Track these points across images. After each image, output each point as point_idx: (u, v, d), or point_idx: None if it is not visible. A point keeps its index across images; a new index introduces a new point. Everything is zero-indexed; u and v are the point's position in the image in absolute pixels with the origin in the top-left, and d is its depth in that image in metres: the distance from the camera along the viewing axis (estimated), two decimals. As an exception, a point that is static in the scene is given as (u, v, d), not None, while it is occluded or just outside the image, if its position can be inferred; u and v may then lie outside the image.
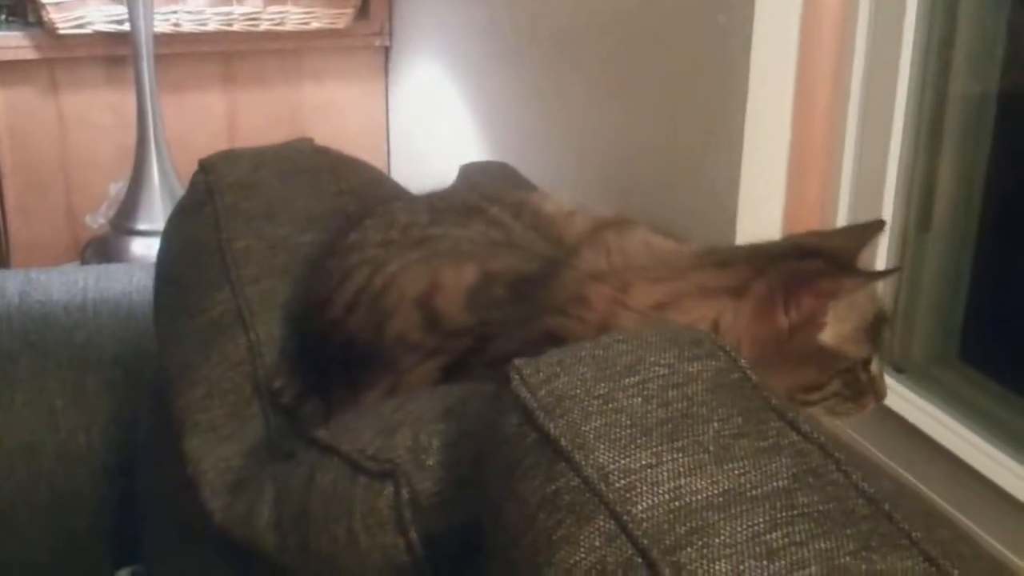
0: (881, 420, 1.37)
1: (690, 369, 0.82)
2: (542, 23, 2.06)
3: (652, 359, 0.82)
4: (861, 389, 1.14)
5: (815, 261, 1.12)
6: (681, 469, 0.74)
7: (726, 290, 1.10)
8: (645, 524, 0.71)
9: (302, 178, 1.55)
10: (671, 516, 0.71)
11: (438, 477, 0.92)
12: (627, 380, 0.80)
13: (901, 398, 1.38)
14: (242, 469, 1.23)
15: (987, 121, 1.38)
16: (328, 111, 3.01)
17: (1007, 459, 1.28)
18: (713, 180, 1.46)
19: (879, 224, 1.23)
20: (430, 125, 2.75)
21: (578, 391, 0.80)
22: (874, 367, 1.15)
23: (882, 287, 1.17)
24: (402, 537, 0.92)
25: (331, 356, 1.25)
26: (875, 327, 1.14)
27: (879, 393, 1.17)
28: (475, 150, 2.39)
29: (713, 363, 0.83)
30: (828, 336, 1.09)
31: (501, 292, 1.17)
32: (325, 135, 2.07)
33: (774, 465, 0.75)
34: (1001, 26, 1.35)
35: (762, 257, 1.13)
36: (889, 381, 1.38)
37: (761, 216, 1.42)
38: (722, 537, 0.69)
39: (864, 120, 1.39)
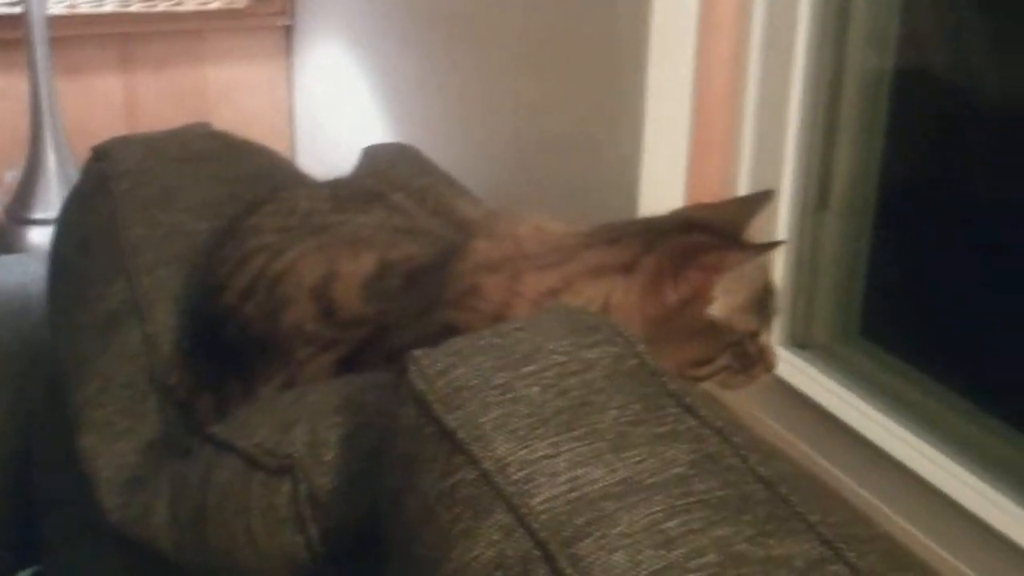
0: (784, 396, 1.38)
1: (588, 356, 0.81)
2: (445, 2, 2.03)
3: (550, 347, 0.81)
4: (751, 361, 1.14)
5: (702, 235, 1.13)
6: (579, 459, 0.73)
7: (616, 267, 1.10)
8: (543, 516, 0.70)
9: (199, 164, 1.51)
10: (569, 507, 0.70)
11: (336, 472, 0.90)
12: (525, 369, 0.79)
13: (804, 374, 1.39)
14: (138, 466, 1.20)
15: (882, 99, 1.39)
16: (230, 93, 2.95)
17: (908, 434, 1.30)
18: (615, 158, 1.45)
19: (767, 195, 1.23)
20: (335, 106, 2.72)
21: (476, 381, 0.79)
22: (763, 339, 1.16)
23: (771, 260, 1.18)
24: (301, 534, 0.90)
25: (225, 346, 1.22)
26: (763, 299, 1.14)
27: (768, 364, 1.17)
28: (379, 131, 2.36)
29: (611, 349, 0.82)
30: (717, 310, 1.09)
31: (397, 282, 1.16)
32: (228, 118, 2.04)
33: (672, 452, 0.74)
34: (895, 3, 1.36)
35: (651, 232, 1.13)
36: (791, 358, 1.40)
37: (663, 194, 1.42)
38: (620, 527, 0.68)
39: (762, 98, 1.39)
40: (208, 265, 1.30)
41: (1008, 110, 1.37)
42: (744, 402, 1.22)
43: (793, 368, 1.39)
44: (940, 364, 1.37)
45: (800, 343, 1.45)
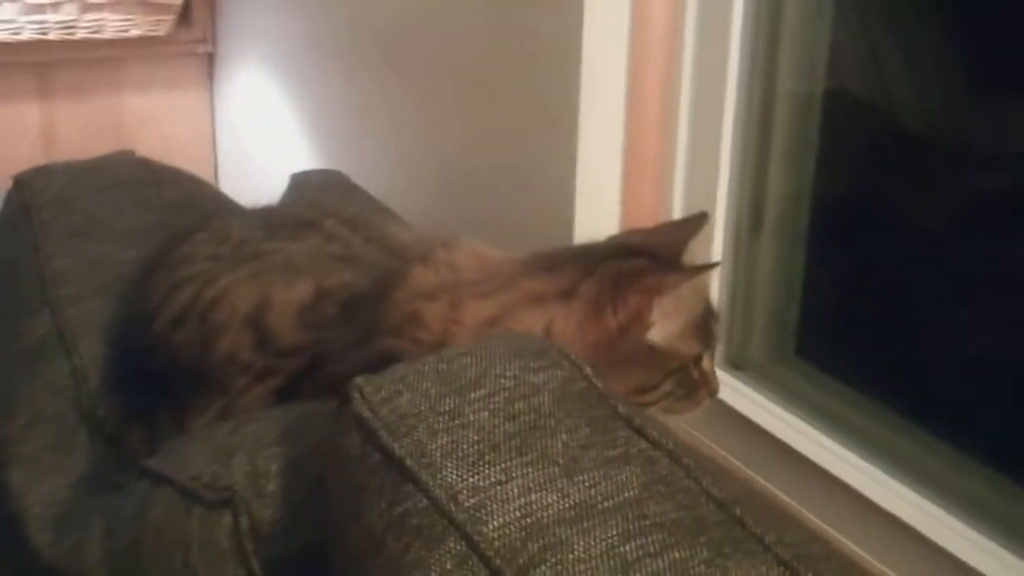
0: (722, 417, 1.38)
1: (535, 380, 0.80)
2: (369, 28, 2.02)
3: (497, 371, 0.80)
4: (694, 386, 1.14)
5: (640, 259, 1.12)
6: (531, 484, 0.72)
7: (555, 295, 1.09)
8: (497, 543, 0.69)
9: (123, 192, 1.48)
10: (523, 533, 0.69)
11: (278, 503, 0.88)
12: (473, 394, 0.78)
13: (741, 395, 1.40)
14: (68, 502, 1.16)
15: (813, 123, 1.40)
16: (151, 121, 2.91)
17: (845, 451, 1.30)
18: (549, 184, 1.45)
19: (702, 217, 1.24)
20: (258, 133, 2.69)
21: (422, 408, 0.77)
22: (705, 363, 1.16)
23: (710, 284, 1.18)
24: (243, 567, 0.88)
25: (155, 376, 1.19)
26: (704, 324, 1.15)
27: (712, 389, 1.17)
28: (306, 158, 2.34)
29: (558, 373, 0.81)
30: (657, 335, 1.09)
31: (333, 310, 1.14)
32: (149, 146, 2.00)
33: (624, 475, 0.73)
34: (824, 29, 1.37)
35: (589, 258, 1.13)
36: (729, 379, 1.40)
37: (598, 220, 1.42)
38: (576, 552, 0.67)
39: (695, 123, 1.40)
40: (137, 294, 1.27)
41: (932, 131, 1.39)
42: (683, 424, 1.22)
43: (730, 390, 1.40)
44: (874, 382, 1.38)
45: (736, 364, 1.46)
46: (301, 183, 1.74)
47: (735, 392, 1.40)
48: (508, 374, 0.80)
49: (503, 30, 1.54)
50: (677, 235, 1.19)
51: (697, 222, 1.23)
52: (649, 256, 1.14)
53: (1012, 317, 1.32)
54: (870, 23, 1.41)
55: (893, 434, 1.33)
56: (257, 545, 0.88)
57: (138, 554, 0.95)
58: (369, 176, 1.75)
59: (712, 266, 1.13)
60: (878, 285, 1.41)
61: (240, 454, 0.92)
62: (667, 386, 1.11)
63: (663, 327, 1.09)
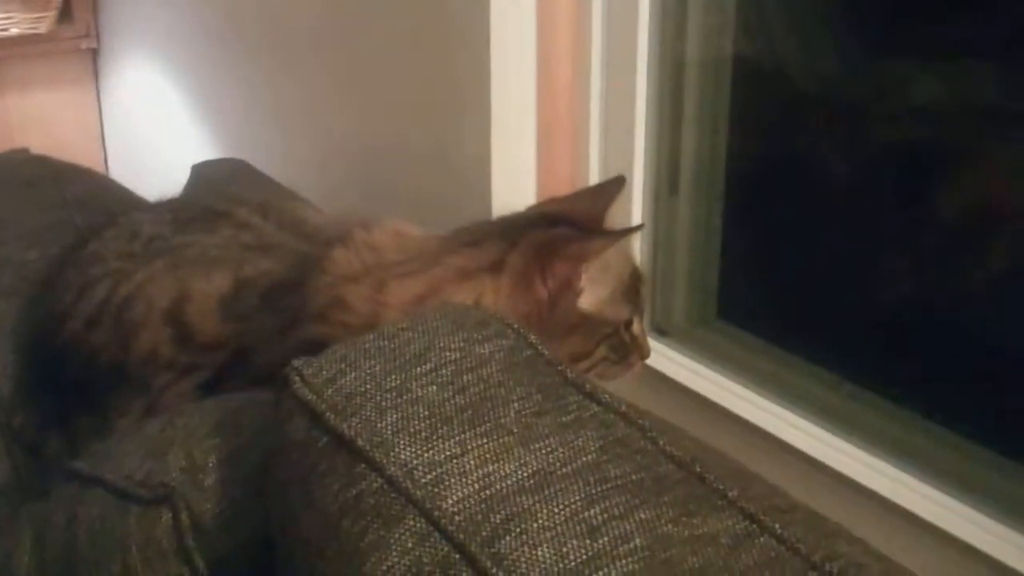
0: (651, 382, 1.38)
1: (481, 351, 0.78)
2: (261, 13, 1.98)
3: (441, 345, 0.78)
4: (626, 350, 1.14)
5: (563, 228, 1.12)
6: (488, 455, 0.70)
7: (482, 269, 1.08)
8: (458, 518, 0.67)
9: (22, 191, 1.43)
10: (484, 506, 0.68)
11: (219, 496, 0.85)
12: (419, 369, 0.76)
13: (668, 359, 1.40)
14: (-9, 513, 1.12)
15: (724, 86, 1.41)
16: (36, 120, 2.82)
17: (775, 407, 1.31)
18: (465, 158, 1.43)
19: (619, 181, 1.23)
20: (150, 127, 2.62)
21: (368, 386, 0.75)
22: (635, 327, 1.16)
23: (635, 248, 1.18)
24: (186, 565, 0.85)
25: (72, 379, 1.15)
26: (632, 288, 1.15)
27: (643, 352, 1.17)
28: (203, 149, 2.28)
29: (503, 342, 0.80)
30: (587, 302, 1.08)
31: (254, 300, 1.11)
32: (35, 146, 1.93)
33: (580, 440, 0.72)
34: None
35: (513, 230, 1.12)
36: (655, 344, 1.40)
37: (515, 191, 1.41)
38: (540, 520, 0.66)
39: (607, 88, 1.39)
40: (46, 296, 1.23)
41: (837, 91, 1.40)
42: (614, 391, 1.21)
43: (657, 354, 1.39)
44: (796, 339, 1.39)
45: (661, 329, 1.46)
46: (204, 174, 1.70)
47: (662, 356, 1.40)
48: (453, 346, 0.78)
49: (410, 8, 1.52)
50: (597, 201, 1.19)
51: (615, 186, 1.22)
52: (571, 224, 1.14)
53: (924, 266, 1.35)
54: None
55: (818, 387, 1.34)
56: (199, 541, 0.85)
57: (72, 560, 0.91)
58: (273, 163, 1.71)
59: (636, 229, 1.12)
60: (794, 243, 1.42)
61: (175, 449, 0.89)
62: (601, 352, 1.11)
63: (592, 293, 1.09)
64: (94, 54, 2.84)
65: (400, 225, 1.18)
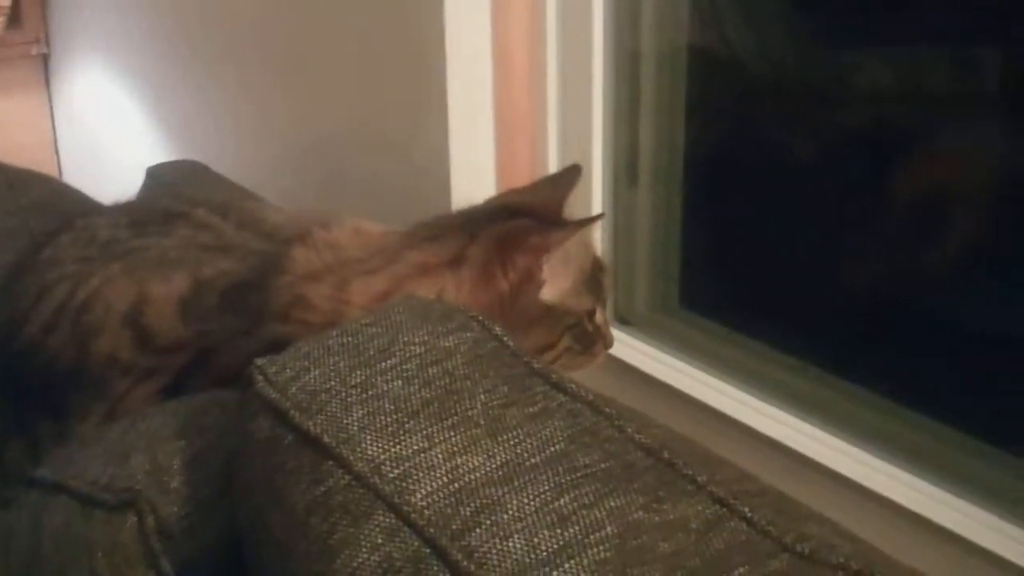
0: (614, 371, 1.38)
1: (446, 344, 0.78)
2: (212, 14, 1.96)
3: (405, 339, 0.78)
4: (590, 340, 1.14)
5: (523, 219, 1.12)
6: (455, 448, 0.70)
7: (443, 263, 1.07)
8: (427, 512, 0.67)
9: (-25, 198, 1.41)
10: (453, 499, 0.67)
11: (185, 498, 0.85)
12: (383, 364, 0.76)
13: (631, 348, 1.40)
14: (-50, 524, 1.10)
15: (680, 75, 1.41)
16: (-12, 127, 2.79)
17: (737, 392, 1.32)
18: (423, 152, 1.43)
19: (575, 170, 1.23)
20: (103, 131, 2.60)
21: (333, 383, 0.75)
22: (599, 317, 1.16)
23: (596, 238, 1.18)
24: (153, 569, 0.84)
25: (30, 384, 1.14)
26: (594, 278, 1.15)
27: (607, 341, 1.18)
28: (158, 151, 2.26)
29: (468, 335, 0.79)
30: (549, 294, 1.08)
31: (214, 301, 1.10)
32: (-14, 153, 1.91)
33: (547, 430, 0.72)
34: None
35: (472, 223, 1.12)
36: (617, 333, 1.40)
37: (474, 183, 1.41)
38: (510, 512, 0.66)
39: (564, 79, 1.39)
40: (2, 302, 1.21)
41: (796, 80, 1.41)
42: (579, 381, 1.21)
43: (620, 344, 1.40)
44: (758, 325, 1.40)
45: (623, 319, 1.46)
46: (159, 176, 1.68)
47: (625, 346, 1.40)
48: (417, 340, 0.78)
49: (363, 2, 1.51)
50: (555, 191, 1.19)
51: (571, 175, 1.22)
52: (531, 215, 1.14)
53: (884, 250, 1.36)
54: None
55: (781, 372, 1.35)
56: (165, 545, 0.84)
57: (38, 568, 0.90)
58: (228, 163, 1.70)
59: (595, 219, 1.12)
60: (754, 230, 1.43)
61: (138, 453, 0.88)
62: (565, 342, 1.11)
63: (554, 284, 1.08)
64: (45, 59, 2.81)
65: (359, 222, 1.17)
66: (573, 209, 1.20)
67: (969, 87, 1.27)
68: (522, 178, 1.42)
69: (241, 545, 0.80)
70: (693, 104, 1.41)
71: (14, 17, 2.69)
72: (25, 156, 2.72)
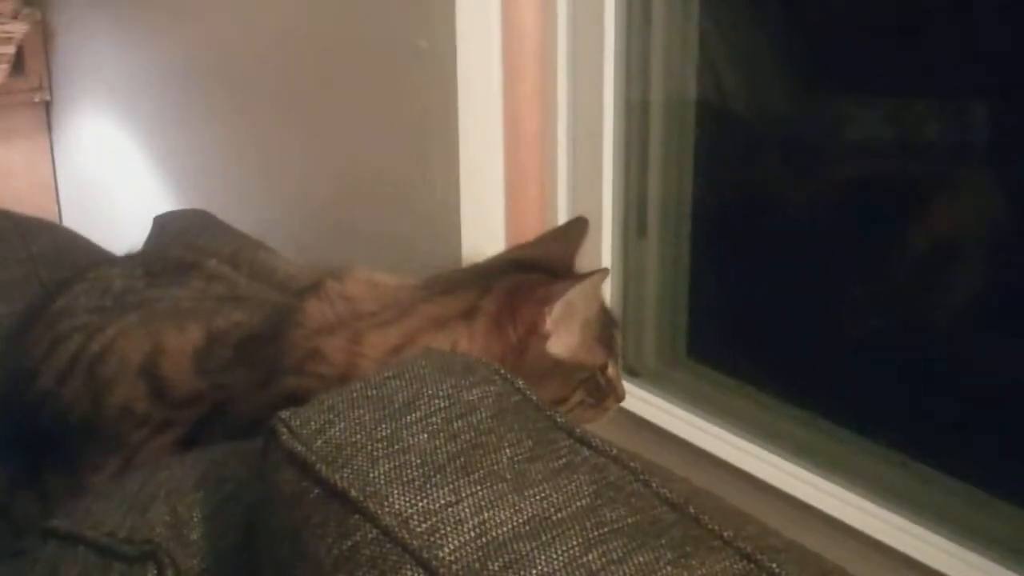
0: (621, 421, 1.38)
1: (470, 398, 0.79)
2: (218, 61, 1.98)
3: (429, 392, 0.78)
4: (602, 394, 1.16)
5: (532, 273, 1.13)
6: (482, 503, 0.70)
7: (456, 316, 1.08)
8: (455, 566, 0.67)
9: (-15, 246, 1.42)
10: (481, 553, 0.67)
11: (205, 551, 0.85)
12: (409, 417, 0.76)
13: (638, 399, 1.40)
14: (-40, 575, 1.09)
15: (688, 127, 1.42)
16: (-12, 173, 2.79)
17: (745, 443, 1.32)
18: (433, 206, 1.44)
19: (581, 222, 1.25)
20: (105, 179, 2.60)
21: (358, 436, 0.75)
22: (611, 371, 1.17)
23: (606, 292, 1.19)
24: (172, 622, 0.84)
25: (41, 436, 1.14)
26: (606, 333, 1.16)
27: (619, 395, 1.19)
28: (162, 200, 2.27)
29: (492, 388, 0.80)
30: (559, 348, 1.09)
31: (228, 353, 1.11)
32: (-13, 199, 1.91)
33: (573, 484, 0.73)
34: (693, 36, 1.39)
35: (484, 277, 1.14)
36: (626, 385, 1.40)
37: (484, 236, 1.41)
38: (539, 567, 0.66)
39: (574, 132, 1.40)
40: (14, 351, 1.21)
41: (803, 133, 1.42)
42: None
43: (628, 395, 1.40)
44: (765, 376, 1.40)
45: (632, 370, 1.46)
46: (166, 225, 1.69)
47: (633, 396, 1.40)
48: (441, 394, 0.78)
49: (375, 54, 1.52)
50: (565, 245, 1.21)
51: (579, 228, 1.24)
52: (543, 269, 1.15)
53: (892, 301, 1.36)
54: (731, 29, 1.44)
55: (789, 424, 1.35)
56: (185, 597, 0.84)
57: (53, 621, 0.90)
58: (234, 213, 1.71)
59: (598, 272, 1.13)
60: (762, 282, 1.43)
61: (157, 504, 0.88)
62: (578, 396, 1.12)
63: (560, 337, 1.10)
64: (47, 106, 2.82)
65: (372, 274, 1.18)
66: (583, 261, 1.22)
67: (974, 136, 1.28)
68: (532, 230, 1.42)
69: (261, 598, 0.80)
70: (701, 156, 1.43)
71: (17, 64, 2.71)
72: (26, 203, 2.73)
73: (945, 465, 1.24)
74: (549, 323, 1.08)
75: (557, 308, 1.08)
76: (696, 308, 1.47)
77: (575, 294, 1.08)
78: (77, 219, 2.80)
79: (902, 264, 1.35)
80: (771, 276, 1.43)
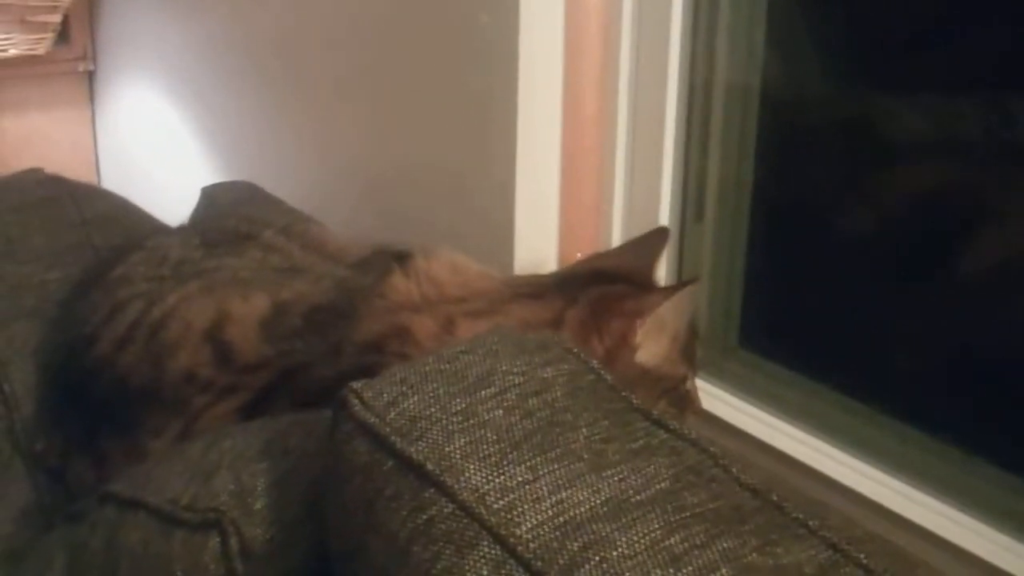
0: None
1: (544, 375, 0.78)
2: (278, 32, 1.96)
3: (504, 368, 0.77)
4: (683, 405, 1.16)
5: (619, 285, 1.13)
6: (560, 481, 0.69)
7: (544, 323, 1.08)
8: (533, 544, 0.66)
9: (39, 210, 1.42)
10: (559, 533, 0.67)
11: (269, 521, 0.84)
12: (484, 393, 0.75)
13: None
14: (13, 537, 1.10)
15: (752, 113, 1.40)
16: (30, 142, 2.79)
17: (795, 431, 1.31)
18: (487, 188, 1.42)
19: (663, 233, 1.26)
20: (147, 149, 2.60)
21: (433, 409, 0.74)
22: (690, 384, 1.17)
23: (691, 304, 1.18)
24: (234, 591, 0.83)
25: (99, 401, 1.13)
26: (689, 344, 1.16)
27: (695, 407, 1.19)
28: (205, 171, 2.26)
29: (566, 367, 0.79)
30: (645, 357, 1.09)
31: (297, 322, 1.10)
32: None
33: (652, 467, 0.71)
34: (761, 19, 1.38)
35: (570, 285, 1.13)
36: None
37: (538, 221, 1.40)
38: (620, 549, 0.65)
39: (634, 114, 1.38)
40: (71, 317, 1.21)
41: (867, 123, 1.40)
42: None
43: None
44: (817, 366, 1.39)
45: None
46: (214, 196, 1.68)
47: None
48: (516, 370, 0.77)
49: (434, 29, 1.51)
50: (645, 255, 1.22)
51: (660, 238, 1.25)
52: (625, 279, 1.15)
53: (950, 295, 1.35)
54: (801, 14, 1.42)
55: (841, 414, 1.34)
56: (248, 566, 0.83)
57: (113, 586, 0.89)
58: (283, 187, 1.70)
59: (690, 285, 1.13)
60: (816, 272, 1.42)
61: (222, 472, 0.87)
62: (661, 406, 1.11)
63: (649, 349, 1.10)
64: (91, 76, 2.82)
65: (455, 257, 1.18)
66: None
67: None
68: (587, 216, 1.41)
69: (325, 569, 0.80)
70: (763, 142, 1.41)
71: (62, 34, 2.71)
72: (66, 173, 2.74)
73: (998, 457, 1.22)
74: (640, 335, 1.09)
75: (649, 321, 1.08)
76: (749, 296, 1.46)
77: (667, 308, 1.09)
78: (117, 188, 2.80)
79: (965, 261, 1.33)
80: (826, 267, 1.41)
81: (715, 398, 1.37)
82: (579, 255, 1.40)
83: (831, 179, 1.43)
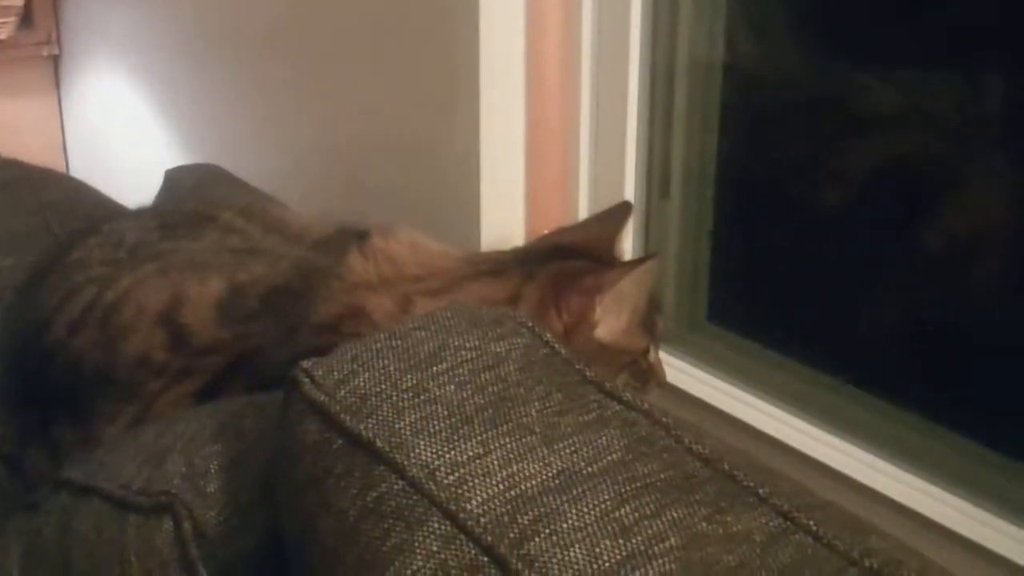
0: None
1: (497, 349, 0.77)
2: (236, 12, 1.95)
3: (456, 343, 0.76)
4: (645, 377, 1.15)
5: (578, 260, 1.12)
6: (511, 455, 0.69)
7: (502, 300, 1.07)
8: (484, 519, 0.65)
9: (-3, 196, 1.40)
10: (510, 506, 0.66)
11: (222, 503, 0.83)
12: (435, 368, 0.74)
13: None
14: (-29, 526, 1.08)
15: (715, 88, 1.40)
16: (-5, 127, 2.77)
17: (763, 404, 1.31)
18: (451, 161, 1.41)
19: (626, 207, 1.25)
20: (113, 133, 2.58)
21: (383, 386, 0.73)
22: (652, 355, 1.16)
23: (652, 278, 1.18)
24: (188, 575, 0.82)
25: (52, 387, 1.12)
26: (650, 318, 1.15)
27: (659, 378, 1.18)
28: (170, 154, 2.25)
29: (519, 341, 0.78)
30: (604, 333, 1.09)
31: (253, 304, 1.09)
32: (-6, 153, 1.89)
33: (604, 438, 0.71)
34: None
35: (529, 262, 1.12)
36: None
37: (503, 193, 1.39)
38: (570, 521, 0.64)
39: (598, 90, 1.38)
40: (28, 304, 1.20)
41: (829, 96, 1.40)
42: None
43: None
44: (785, 340, 1.39)
45: (651, 334, 1.44)
46: (177, 179, 1.67)
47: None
48: (468, 345, 0.76)
49: (394, 6, 1.49)
50: (607, 230, 1.21)
51: (622, 212, 1.24)
52: (586, 255, 1.14)
53: (916, 267, 1.34)
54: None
55: (808, 387, 1.34)
56: (203, 550, 0.82)
57: (67, 573, 0.88)
58: (246, 168, 1.68)
59: (649, 260, 1.12)
60: (782, 246, 1.42)
61: (173, 455, 0.86)
62: (622, 379, 1.11)
63: (608, 324, 1.09)
64: (55, 60, 2.79)
65: (414, 236, 1.17)
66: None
67: (1002, 110, 1.26)
68: (552, 189, 1.40)
69: (279, 551, 0.79)
70: (727, 118, 1.40)
71: (25, 18, 2.68)
72: (33, 158, 2.69)
73: (964, 427, 1.22)
74: (599, 311, 1.08)
75: (608, 297, 1.07)
76: (717, 271, 1.45)
77: (626, 283, 1.08)
78: (84, 174, 2.78)
79: (931, 233, 1.33)
80: (792, 241, 1.41)
81: (684, 372, 1.36)
82: (545, 232, 1.39)
83: (796, 154, 1.43)
